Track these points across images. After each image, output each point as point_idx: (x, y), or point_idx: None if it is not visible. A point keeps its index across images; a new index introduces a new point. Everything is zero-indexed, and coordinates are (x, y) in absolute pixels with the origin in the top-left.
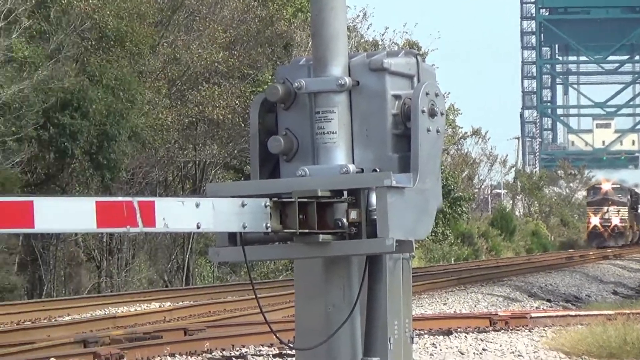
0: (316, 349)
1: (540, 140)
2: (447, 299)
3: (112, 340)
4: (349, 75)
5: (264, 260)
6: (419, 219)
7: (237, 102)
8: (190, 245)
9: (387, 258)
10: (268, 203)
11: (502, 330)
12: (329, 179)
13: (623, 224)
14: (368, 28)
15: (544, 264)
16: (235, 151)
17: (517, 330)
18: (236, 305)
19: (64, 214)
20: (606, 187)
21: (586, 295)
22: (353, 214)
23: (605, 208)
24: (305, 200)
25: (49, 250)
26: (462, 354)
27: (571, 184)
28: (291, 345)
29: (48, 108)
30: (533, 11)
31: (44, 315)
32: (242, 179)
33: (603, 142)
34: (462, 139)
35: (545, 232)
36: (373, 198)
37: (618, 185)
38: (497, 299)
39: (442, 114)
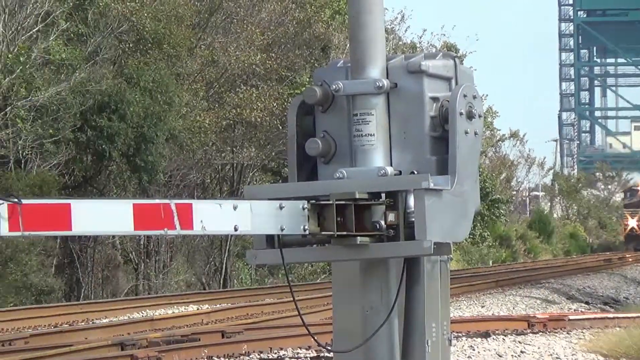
0: (354, 351)
1: (578, 142)
2: (485, 301)
3: (150, 343)
4: (387, 78)
5: (301, 262)
6: (457, 221)
7: (274, 104)
8: (227, 248)
9: (425, 260)
10: (306, 205)
11: (540, 333)
12: (367, 181)
13: None
14: (406, 30)
15: (582, 266)
16: (273, 153)
17: (555, 332)
18: (274, 308)
19: (102, 217)
20: None
21: (624, 298)
22: (391, 217)
23: None
24: (343, 202)
25: (86, 252)
26: (500, 356)
27: (609, 186)
28: (329, 348)
29: (85, 110)
30: (571, 13)
31: (82, 317)
32: (280, 181)
33: None
34: (500, 141)
35: (583, 235)
36: (411, 200)
37: None
38: (535, 302)
39: (479, 116)
